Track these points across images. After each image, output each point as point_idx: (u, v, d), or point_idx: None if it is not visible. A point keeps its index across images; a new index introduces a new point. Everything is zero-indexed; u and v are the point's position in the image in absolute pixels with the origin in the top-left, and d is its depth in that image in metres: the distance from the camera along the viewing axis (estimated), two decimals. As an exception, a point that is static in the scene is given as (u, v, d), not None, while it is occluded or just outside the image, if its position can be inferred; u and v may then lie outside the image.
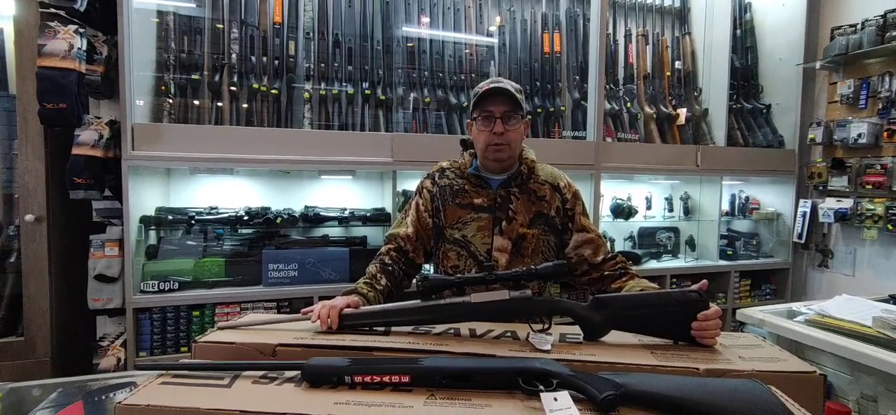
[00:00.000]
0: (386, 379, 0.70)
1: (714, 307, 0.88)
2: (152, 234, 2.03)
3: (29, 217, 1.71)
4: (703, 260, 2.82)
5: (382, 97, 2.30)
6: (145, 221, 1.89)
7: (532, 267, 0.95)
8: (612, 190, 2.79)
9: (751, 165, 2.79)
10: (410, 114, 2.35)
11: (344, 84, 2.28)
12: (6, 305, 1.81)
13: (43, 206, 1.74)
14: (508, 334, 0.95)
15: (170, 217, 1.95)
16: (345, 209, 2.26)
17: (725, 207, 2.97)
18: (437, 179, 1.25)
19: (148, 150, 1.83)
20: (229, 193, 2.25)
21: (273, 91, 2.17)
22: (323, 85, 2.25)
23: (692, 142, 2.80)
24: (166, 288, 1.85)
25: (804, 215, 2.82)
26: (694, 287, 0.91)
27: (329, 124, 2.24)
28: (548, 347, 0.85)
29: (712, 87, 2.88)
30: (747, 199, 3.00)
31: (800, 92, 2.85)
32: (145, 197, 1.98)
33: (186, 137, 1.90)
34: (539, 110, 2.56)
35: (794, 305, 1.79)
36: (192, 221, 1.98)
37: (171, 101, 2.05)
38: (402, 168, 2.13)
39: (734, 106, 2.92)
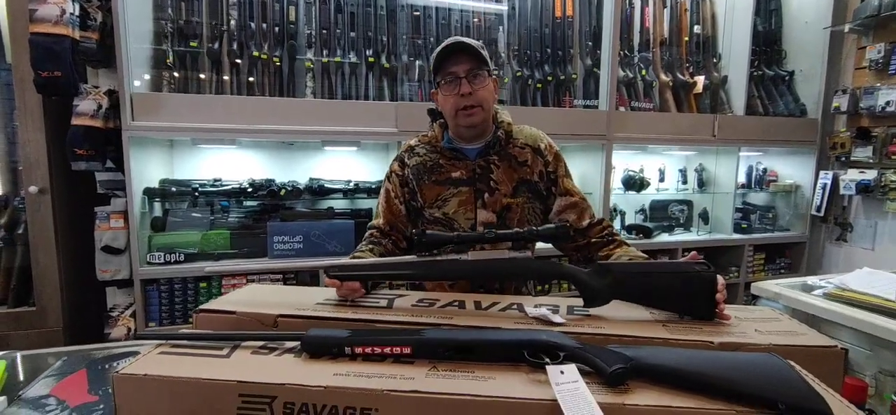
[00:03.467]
0: (387, 351, 0.68)
1: (720, 279, 0.84)
2: (158, 206, 2.03)
3: (32, 189, 1.70)
4: (716, 233, 2.75)
5: (386, 66, 2.23)
6: (149, 192, 1.88)
7: (534, 228, 0.91)
8: (624, 161, 2.71)
9: (770, 135, 2.68)
10: (415, 83, 2.28)
11: (347, 53, 2.21)
12: (17, 276, 1.83)
13: (46, 177, 1.73)
14: (515, 306, 0.92)
15: (173, 189, 1.93)
16: (350, 181, 2.22)
17: (742, 179, 2.88)
18: (406, 159, 1.17)
19: (148, 120, 1.80)
20: (234, 165, 2.22)
21: (274, 59, 2.11)
22: (325, 53, 2.19)
23: (709, 111, 2.69)
24: (172, 260, 1.86)
25: (824, 187, 2.72)
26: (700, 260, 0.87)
27: (332, 94, 2.19)
28: (559, 320, 0.82)
29: (733, 54, 2.75)
30: (765, 170, 2.90)
31: (826, 57, 2.70)
32: (148, 168, 1.96)
33: (187, 107, 1.86)
34: (549, 78, 2.46)
35: (810, 279, 1.74)
36: (196, 194, 1.96)
37: (169, 73, 2.00)
38: (406, 138, 2.07)
39: (755, 73, 2.79)
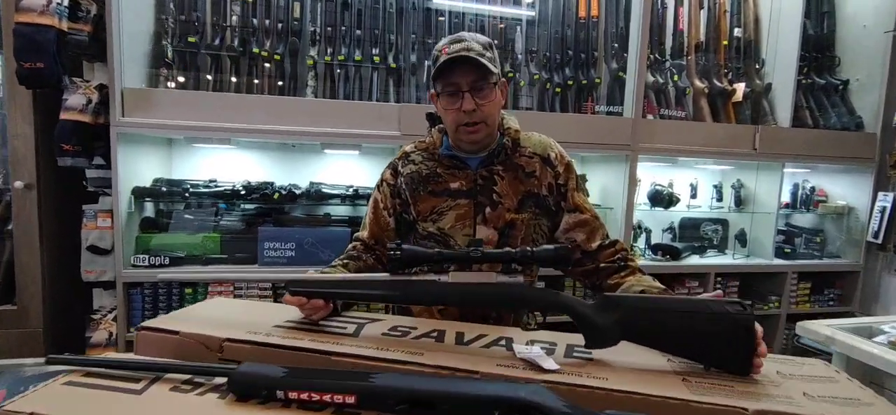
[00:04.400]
0: (327, 398, 0.57)
1: (758, 327, 0.66)
2: (150, 206, 1.95)
3: (18, 184, 1.65)
4: (755, 258, 2.47)
5: (393, 66, 2.10)
6: (137, 192, 1.80)
7: (528, 249, 0.75)
8: (651, 175, 2.47)
9: (820, 150, 2.39)
10: (424, 85, 2.14)
11: (353, 52, 2.09)
12: (4, 273, 1.78)
13: (33, 172, 1.67)
14: (502, 341, 0.77)
15: (163, 189, 1.85)
16: (350, 187, 2.09)
17: (786, 198, 2.59)
18: (400, 167, 1.07)
19: (140, 116, 1.72)
20: (233, 167, 2.14)
21: (275, 56, 2.01)
22: (329, 51, 2.07)
23: (750, 122, 2.42)
24: (157, 263, 1.76)
25: (882, 211, 2.40)
26: (723, 298, 0.70)
27: (335, 95, 2.07)
28: (551, 366, 0.66)
29: (778, 59, 2.47)
30: (813, 189, 2.60)
31: (887, 65, 2.39)
32: (141, 167, 1.88)
33: (181, 104, 1.77)
34: (570, 82, 2.27)
35: (871, 320, 1.47)
36: (187, 194, 1.87)
37: (167, 70, 1.93)
38: (411, 141, 1.92)
39: (804, 81, 2.51)
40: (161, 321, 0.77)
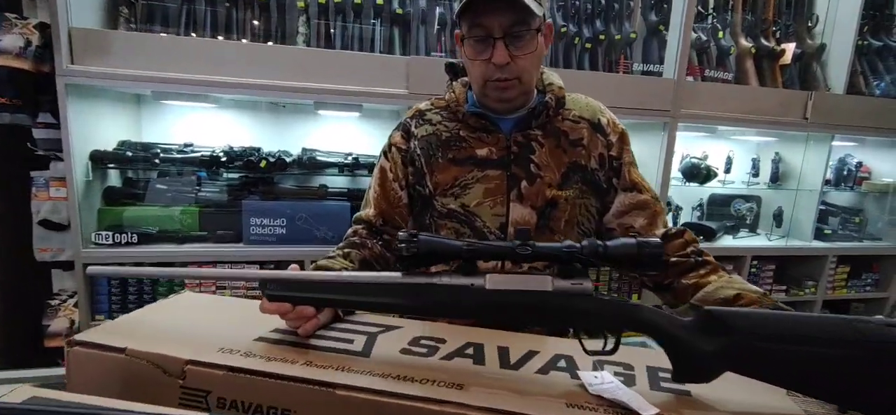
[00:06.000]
0: None
1: None
2: (115, 175, 1.67)
3: (-54, 145, 1.36)
4: (792, 239, 2.26)
5: (399, 11, 1.78)
6: (96, 157, 1.51)
7: (599, 243, 0.53)
8: (683, 146, 2.22)
9: (872, 120, 2.14)
10: (434, 34, 1.83)
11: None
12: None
13: (-36, 131, 1.38)
14: (561, 362, 0.58)
15: (129, 154, 1.56)
16: (349, 154, 1.82)
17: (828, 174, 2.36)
18: (412, 128, 0.87)
19: (93, 64, 1.42)
20: (213, 129, 1.85)
21: (259, -3, 1.69)
22: (324, -8, 1.75)
23: (797, 86, 2.16)
24: (123, 241, 1.50)
25: (933, 190, 2.19)
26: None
27: (331, 44, 1.76)
28: (645, 408, 0.48)
29: (835, 17, 2.18)
30: (859, 165, 2.37)
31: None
32: (102, 128, 1.59)
33: (145, 50, 1.46)
34: (602, 36, 1.97)
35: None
36: (158, 160, 1.59)
37: (128, 10, 1.60)
38: (420, 102, 1.64)
39: (859, 43, 2.23)
40: (103, 333, 0.56)
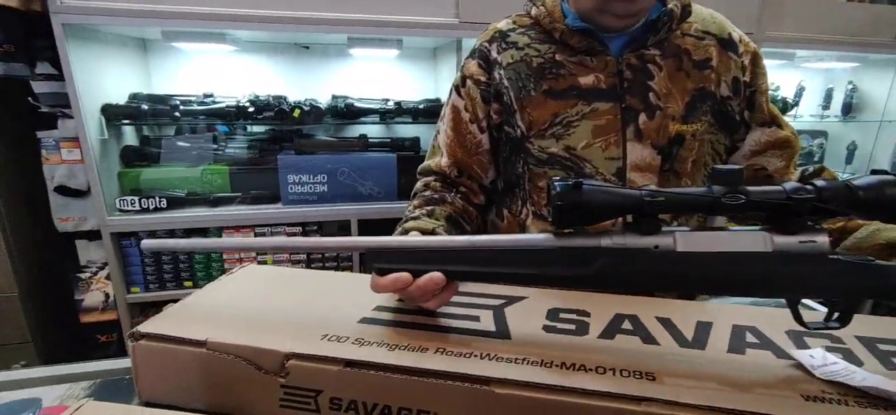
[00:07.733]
0: None
1: None
2: (129, 131, 1.49)
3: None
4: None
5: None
6: (109, 112, 1.33)
7: (841, 181, 0.39)
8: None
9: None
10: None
11: None
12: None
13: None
14: (748, 334, 0.46)
15: (144, 107, 1.37)
16: (387, 100, 1.62)
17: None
18: (493, 54, 0.71)
19: None
20: (233, 76, 1.65)
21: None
22: None
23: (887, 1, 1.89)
24: (151, 207, 1.35)
25: None
26: None
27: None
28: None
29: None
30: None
31: None
32: (111, 78, 1.39)
33: (150, -17, 1.24)
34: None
35: None
36: (177, 113, 1.41)
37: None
38: (472, 34, 1.42)
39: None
40: (172, 321, 0.44)
